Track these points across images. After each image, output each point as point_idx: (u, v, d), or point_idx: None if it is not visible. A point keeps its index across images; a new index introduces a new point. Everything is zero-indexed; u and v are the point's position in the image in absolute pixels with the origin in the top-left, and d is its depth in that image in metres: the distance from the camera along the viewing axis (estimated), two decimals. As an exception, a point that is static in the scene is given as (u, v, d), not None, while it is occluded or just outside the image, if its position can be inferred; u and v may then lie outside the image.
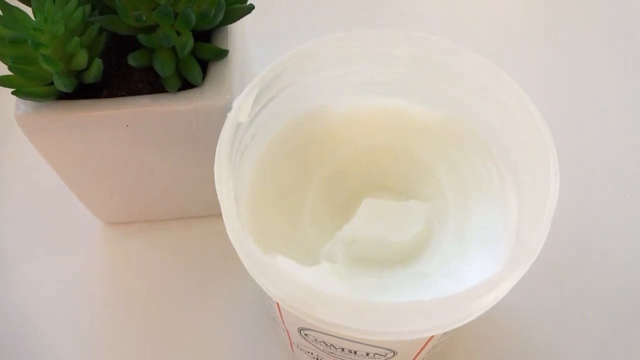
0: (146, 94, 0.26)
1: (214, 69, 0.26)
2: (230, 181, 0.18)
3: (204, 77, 0.26)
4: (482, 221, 0.22)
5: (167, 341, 0.30)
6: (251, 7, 0.26)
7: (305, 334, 0.22)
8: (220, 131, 0.26)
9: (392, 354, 0.21)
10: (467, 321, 0.18)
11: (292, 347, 0.26)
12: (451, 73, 0.22)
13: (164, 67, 0.24)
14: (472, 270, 0.21)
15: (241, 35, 0.29)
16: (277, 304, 0.21)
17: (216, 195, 0.30)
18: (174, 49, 0.25)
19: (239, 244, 0.18)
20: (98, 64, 0.24)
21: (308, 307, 0.17)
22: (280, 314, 0.22)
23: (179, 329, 0.30)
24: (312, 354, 0.24)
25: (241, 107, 0.20)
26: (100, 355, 0.30)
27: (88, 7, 0.24)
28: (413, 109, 0.24)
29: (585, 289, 0.30)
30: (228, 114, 0.20)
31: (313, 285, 0.16)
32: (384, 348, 0.20)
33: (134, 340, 0.30)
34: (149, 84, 0.27)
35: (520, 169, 0.21)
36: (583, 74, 0.38)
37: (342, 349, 0.21)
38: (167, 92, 0.25)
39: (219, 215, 0.32)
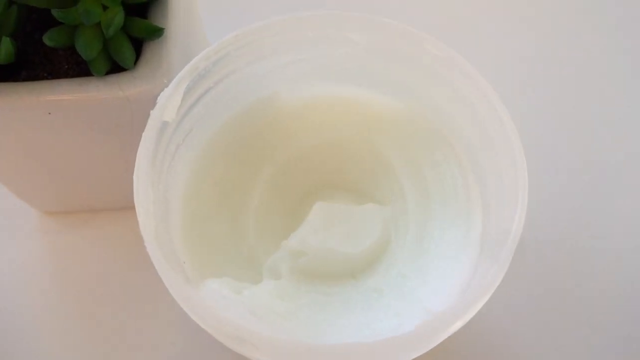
0: (73, 76, 0.22)
1: (150, 50, 0.23)
2: (151, 196, 0.16)
3: (137, 59, 0.22)
4: (443, 232, 0.20)
5: (111, 341, 0.28)
6: (191, -24, 0.22)
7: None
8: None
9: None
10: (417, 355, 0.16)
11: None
12: (414, 63, 0.20)
13: (87, 48, 0.21)
14: (429, 292, 0.19)
15: (185, 10, 0.25)
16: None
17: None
18: (99, 25, 0.22)
19: (159, 270, 0.16)
20: (7, 43, 0.21)
21: (237, 346, 0.15)
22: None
23: (124, 327, 0.28)
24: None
25: (167, 104, 0.17)
26: (39, 355, 0.28)
27: (-7, -25, 0.20)
28: (371, 99, 0.21)
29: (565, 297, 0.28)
30: (151, 112, 0.17)
31: (239, 324, 0.14)
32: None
33: (76, 338, 0.28)
34: (76, 64, 0.23)
35: (487, 174, 0.19)
36: (559, 71, 0.35)
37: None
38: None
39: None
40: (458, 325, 0.15)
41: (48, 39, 0.21)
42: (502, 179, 0.17)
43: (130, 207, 0.29)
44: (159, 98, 0.18)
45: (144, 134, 0.17)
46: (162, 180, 0.17)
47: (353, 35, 0.20)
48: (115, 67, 0.22)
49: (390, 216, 0.21)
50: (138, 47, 0.23)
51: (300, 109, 0.22)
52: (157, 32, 0.22)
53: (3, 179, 0.27)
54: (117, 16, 0.21)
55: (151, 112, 0.17)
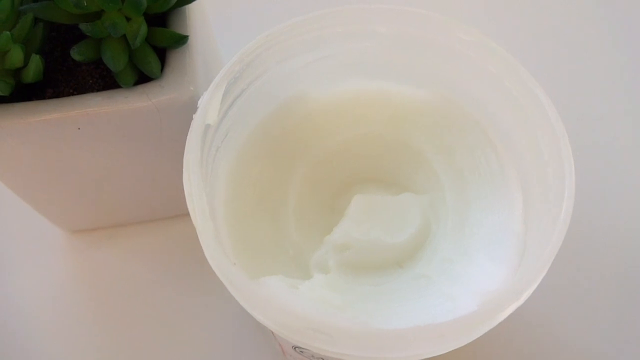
0: (97, 90, 0.23)
1: (174, 58, 0.23)
2: (204, 198, 0.16)
3: (162, 68, 0.23)
4: (482, 216, 0.20)
5: (147, 354, 0.28)
6: (210, -16, 0.22)
7: (301, 351, 0.20)
8: (185, 126, 0.23)
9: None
10: (477, 336, 0.16)
11: (285, 354, 0.24)
12: (443, 50, 0.20)
13: (115, 60, 0.21)
14: (477, 273, 0.19)
15: (201, 17, 0.25)
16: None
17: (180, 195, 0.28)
18: (124, 37, 0.22)
19: (220, 271, 0.16)
20: (36, 61, 0.21)
21: (307, 338, 0.15)
22: (273, 332, 0.20)
23: (158, 340, 0.28)
24: (307, 364, 0.22)
25: (208, 107, 0.17)
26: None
27: (17, -6, 0.20)
28: (400, 91, 0.22)
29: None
30: (194, 116, 0.18)
31: (313, 316, 0.14)
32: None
33: (111, 355, 0.28)
34: (100, 78, 0.23)
35: (525, 158, 0.19)
36: (594, 57, 0.35)
37: (342, 364, 0.19)
38: (122, 87, 0.22)
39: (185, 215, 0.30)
40: (520, 301, 0.15)
41: (76, 54, 0.21)
42: (543, 157, 0.18)
43: (155, 220, 0.30)
44: (199, 102, 0.18)
45: (188, 137, 0.17)
46: (207, 184, 0.17)
47: (379, 27, 0.20)
48: (142, 78, 0.22)
49: (429, 204, 0.21)
50: (161, 57, 0.23)
51: (329, 105, 0.22)
52: (181, 40, 0.22)
53: (31, 199, 0.27)
54: (142, 27, 0.21)
55: (194, 115, 0.18)
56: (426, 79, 0.21)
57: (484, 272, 0.19)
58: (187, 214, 0.29)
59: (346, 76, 0.21)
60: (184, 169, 0.17)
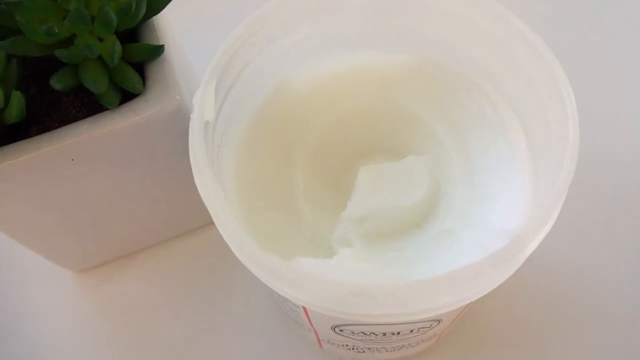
0: (83, 118, 0.22)
1: (153, 71, 0.23)
2: (220, 190, 0.16)
3: (144, 83, 0.22)
4: (487, 160, 0.20)
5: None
6: (175, -10, 0.22)
7: (340, 330, 0.20)
8: (177, 136, 0.23)
9: (437, 322, 0.19)
10: (515, 269, 0.16)
11: (321, 344, 0.24)
12: (419, 10, 0.20)
13: (96, 82, 0.21)
14: (496, 216, 0.19)
15: (169, 27, 0.25)
16: (304, 307, 0.19)
17: (191, 208, 0.27)
18: (101, 59, 0.21)
19: (250, 257, 0.16)
20: (18, 98, 0.20)
21: (348, 306, 0.15)
22: (308, 317, 0.19)
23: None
24: (346, 345, 0.22)
25: (204, 104, 0.17)
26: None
27: (-15, 34, 0.20)
28: (384, 60, 0.22)
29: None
30: (191, 115, 0.17)
31: (352, 281, 0.14)
32: (429, 320, 0.19)
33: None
34: (83, 106, 0.23)
35: (517, 91, 0.19)
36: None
37: (384, 334, 0.19)
38: (107, 109, 0.22)
39: (199, 228, 0.30)
40: (548, 226, 0.15)
41: (56, 82, 0.21)
42: (537, 88, 0.18)
43: (163, 242, 0.29)
44: (194, 100, 0.18)
45: (191, 136, 0.17)
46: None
47: (352, -2, 0.20)
48: (125, 96, 0.22)
49: (433, 161, 0.21)
50: (139, 72, 0.23)
51: (316, 87, 0.22)
52: (158, 51, 0.22)
53: (32, 244, 0.26)
54: (116, 44, 0.21)
55: (191, 115, 0.17)
56: (407, 43, 0.21)
57: (503, 213, 0.19)
58: (194, 230, 0.29)
59: (327, 54, 0.21)
60: (193, 168, 0.17)
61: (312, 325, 0.21)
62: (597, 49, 0.34)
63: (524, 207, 0.19)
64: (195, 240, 0.30)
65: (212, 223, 0.29)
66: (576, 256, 0.28)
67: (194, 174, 0.17)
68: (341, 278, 0.14)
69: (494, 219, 0.19)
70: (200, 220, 0.29)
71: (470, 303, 0.18)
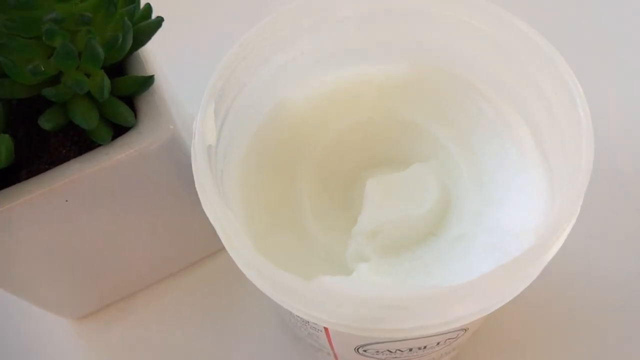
0: (74, 157, 0.21)
1: (143, 102, 0.22)
2: (231, 215, 0.15)
3: (135, 115, 0.22)
4: (495, 160, 0.20)
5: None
6: (160, 20, 0.22)
7: (364, 350, 0.19)
8: (174, 167, 0.23)
9: (464, 331, 0.19)
10: (544, 265, 0.16)
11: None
12: (410, 18, 0.20)
13: (87, 118, 0.20)
14: (511, 215, 0.19)
15: (154, 58, 0.25)
16: (326, 329, 0.18)
17: (192, 239, 0.26)
18: (89, 94, 0.21)
19: (268, 281, 0.15)
20: (7, 141, 0.20)
21: (378, 322, 0.14)
22: (329, 339, 0.19)
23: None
24: (370, 367, 0.21)
25: (205, 127, 0.17)
26: None
27: (-33, 79, 0.19)
28: (380, 71, 0.22)
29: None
30: (193, 141, 0.17)
31: (383, 295, 0.13)
32: (456, 330, 0.18)
33: None
34: (73, 145, 0.22)
35: (519, 90, 0.19)
36: None
37: (410, 349, 0.19)
38: (99, 145, 0.21)
39: (199, 260, 0.29)
40: (573, 220, 0.15)
41: (45, 122, 0.20)
42: (541, 89, 0.18)
43: (164, 279, 0.28)
44: (193, 126, 0.17)
45: (194, 162, 0.16)
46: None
47: (344, 11, 0.20)
48: (116, 130, 0.22)
49: (439, 167, 0.21)
50: (128, 104, 0.22)
51: (314, 104, 0.22)
52: (147, 82, 0.22)
53: (27, 294, 0.25)
54: (105, 79, 0.21)
55: (193, 141, 0.17)
56: (402, 52, 0.21)
57: (518, 214, 0.19)
58: (194, 263, 0.28)
59: (324, 69, 0.21)
60: (200, 194, 0.16)
61: (332, 348, 0.20)
62: (597, 43, 0.34)
63: (539, 206, 0.18)
64: (197, 274, 0.29)
65: (213, 254, 0.29)
66: (591, 255, 0.27)
67: (201, 200, 0.16)
68: (369, 293, 0.14)
69: (509, 220, 0.19)
70: (201, 252, 0.28)
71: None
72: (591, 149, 0.15)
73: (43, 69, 0.19)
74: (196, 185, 0.16)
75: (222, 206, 0.15)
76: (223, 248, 0.28)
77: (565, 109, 0.17)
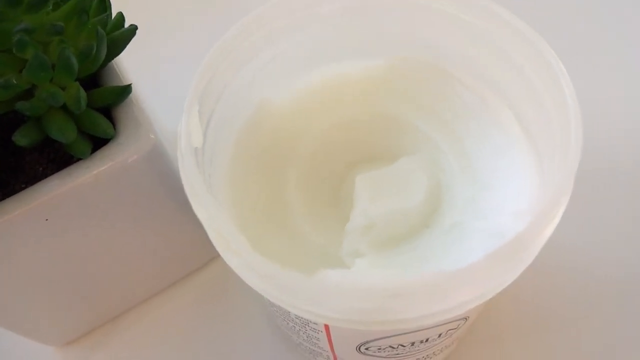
0: (52, 174, 0.21)
1: (121, 112, 0.21)
2: (225, 215, 0.15)
3: (113, 126, 0.21)
4: (482, 147, 0.20)
5: None
6: (134, 28, 0.22)
7: (366, 349, 0.18)
8: (157, 177, 0.22)
9: (464, 320, 0.19)
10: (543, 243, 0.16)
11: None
12: (385, 12, 0.20)
13: (64, 131, 0.20)
14: (502, 200, 0.19)
15: (127, 66, 0.24)
16: (327, 327, 0.17)
17: (180, 253, 0.26)
18: (64, 107, 0.20)
19: (268, 281, 0.14)
20: (-20, 160, 0.19)
21: (384, 312, 0.14)
22: (330, 339, 0.18)
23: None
24: (371, 366, 0.21)
25: (190, 129, 0.16)
26: None
27: None
28: (360, 67, 0.21)
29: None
30: (179, 143, 0.16)
31: (388, 284, 0.13)
32: (457, 320, 0.18)
33: None
34: (50, 162, 0.22)
35: (500, 76, 0.19)
36: None
37: (412, 344, 0.18)
38: (79, 159, 0.21)
39: (185, 276, 0.28)
40: (567, 197, 0.15)
41: (20, 138, 0.19)
42: (524, 72, 0.18)
43: (150, 297, 0.27)
44: (178, 129, 0.17)
45: (181, 163, 0.16)
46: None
47: (319, 9, 0.20)
48: (95, 145, 0.21)
49: (427, 160, 0.21)
50: (105, 116, 0.21)
51: (296, 105, 0.21)
52: (125, 92, 0.21)
53: (7, 321, 0.24)
54: (80, 91, 0.20)
55: (179, 143, 0.16)
56: (380, 47, 0.21)
57: (509, 198, 0.19)
58: (179, 280, 0.28)
59: (304, 69, 0.21)
60: (190, 197, 0.15)
61: (332, 350, 0.20)
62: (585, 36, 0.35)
63: (530, 189, 0.18)
64: (181, 291, 0.28)
65: (197, 270, 0.28)
66: (582, 239, 0.28)
67: (192, 202, 0.15)
68: (371, 283, 0.13)
69: (501, 205, 0.19)
70: (187, 267, 0.28)
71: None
72: (579, 125, 0.15)
73: (15, 82, 0.19)
74: (185, 188, 0.16)
75: (215, 206, 0.15)
76: (210, 261, 0.28)
77: (552, 93, 0.17)
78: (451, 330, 0.19)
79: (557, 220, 0.15)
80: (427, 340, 0.19)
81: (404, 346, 0.19)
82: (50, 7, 0.19)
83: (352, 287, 0.13)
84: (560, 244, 0.26)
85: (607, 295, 0.26)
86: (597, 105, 0.31)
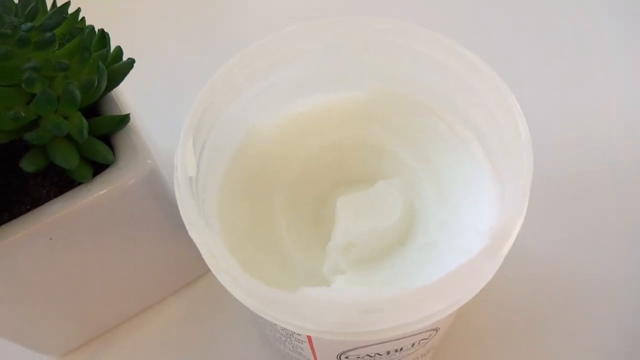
0: (55, 196, 0.22)
1: (121, 139, 0.23)
2: (217, 239, 0.16)
3: (112, 153, 0.23)
4: (453, 173, 0.22)
5: None
6: (132, 62, 0.23)
7: (346, 357, 0.20)
8: (155, 201, 0.24)
9: (435, 331, 0.20)
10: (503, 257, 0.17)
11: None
12: (366, 47, 0.22)
13: (67, 158, 0.21)
14: (471, 220, 0.21)
15: (126, 95, 0.26)
16: (309, 338, 0.19)
17: (173, 269, 0.27)
18: (68, 135, 0.22)
19: (256, 297, 0.16)
20: (-11, 186, 0.20)
21: (359, 325, 0.16)
22: (313, 349, 0.20)
23: None
24: (352, 374, 0.23)
25: (185, 159, 0.18)
26: None
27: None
28: (341, 98, 0.23)
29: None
30: (175, 173, 0.18)
31: (361, 300, 0.15)
32: (429, 330, 0.20)
33: None
34: (53, 185, 0.23)
35: (470, 111, 0.21)
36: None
37: (388, 352, 0.20)
38: (80, 183, 0.22)
39: (180, 288, 0.30)
40: (522, 217, 0.17)
41: (27, 165, 0.21)
42: (489, 108, 0.20)
43: (147, 308, 0.29)
44: (175, 159, 0.18)
45: (178, 192, 0.18)
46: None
47: (304, 44, 0.22)
48: (96, 170, 0.23)
49: (403, 183, 0.23)
50: (105, 142, 0.23)
51: (281, 133, 0.23)
52: (124, 121, 0.23)
53: (10, 332, 0.25)
54: (82, 120, 0.22)
55: (175, 173, 0.18)
56: (362, 79, 0.23)
57: (477, 218, 0.21)
58: (175, 291, 0.29)
59: (288, 100, 0.23)
60: (186, 223, 0.17)
61: (316, 358, 0.21)
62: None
63: (495, 210, 0.20)
64: (177, 302, 0.29)
65: (192, 282, 0.29)
66: (555, 255, 0.29)
67: (187, 227, 0.17)
68: (347, 299, 0.15)
69: (470, 224, 0.21)
70: (181, 280, 0.29)
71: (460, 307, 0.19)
72: (530, 155, 0.17)
73: (23, 115, 0.20)
74: (181, 214, 0.17)
75: (208, 231, 0.16)
76: (201, 275, 0.30)
77: (506, 121, 0.19)
78: (424, 340, 0.20)
79: (513, 237, 0.17)
80: (401, 349, 0.20)
81: (380, 355, 0.20)
82: (57, 47, 0.21)
83: (330, 303, 0.15)
84: (531, 254, 0.28)
85: (576, 303, 0.28)
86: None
